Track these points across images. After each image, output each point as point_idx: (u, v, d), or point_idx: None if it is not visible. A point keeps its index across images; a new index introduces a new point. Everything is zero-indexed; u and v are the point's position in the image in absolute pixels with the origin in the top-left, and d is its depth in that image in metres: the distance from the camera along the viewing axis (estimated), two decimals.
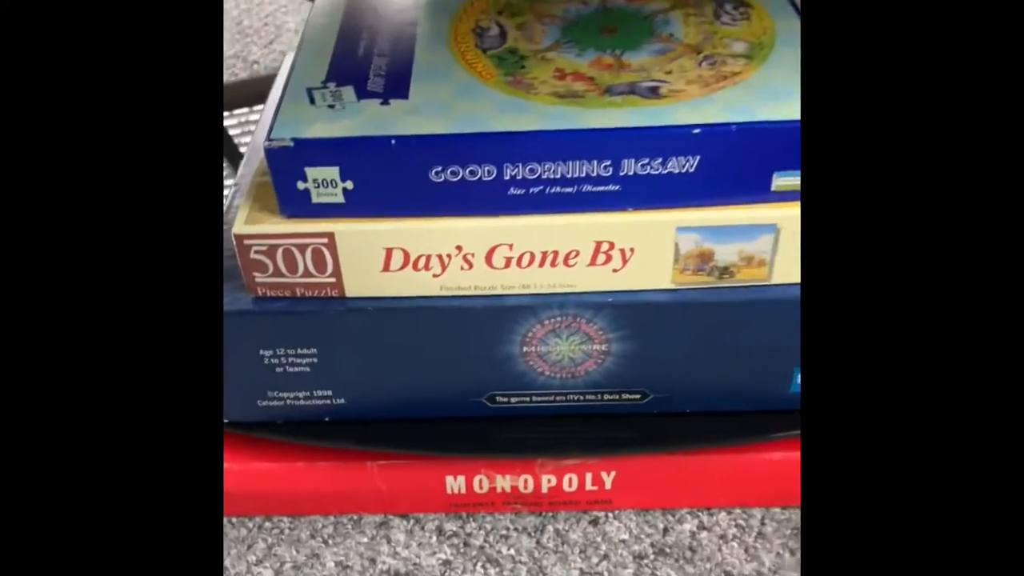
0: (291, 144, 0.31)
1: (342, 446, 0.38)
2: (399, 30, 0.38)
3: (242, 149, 0.67)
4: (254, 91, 0.73)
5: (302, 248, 0.33)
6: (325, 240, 0.33)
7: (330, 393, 0.37)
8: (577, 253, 0.34)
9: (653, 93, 0.33)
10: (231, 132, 0.69)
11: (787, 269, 0.34)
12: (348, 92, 0.34)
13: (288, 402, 0.37)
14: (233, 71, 0.74)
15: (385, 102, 0.34)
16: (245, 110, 0.71)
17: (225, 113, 0.71)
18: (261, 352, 0.35)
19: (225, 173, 0.63)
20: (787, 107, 0.32)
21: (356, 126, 0.32)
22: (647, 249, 0.34)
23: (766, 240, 0.33)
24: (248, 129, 0.69)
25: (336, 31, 0.38)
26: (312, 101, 0.34)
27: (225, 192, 0.52)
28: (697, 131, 0.32)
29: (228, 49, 0.77)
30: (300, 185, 0.32)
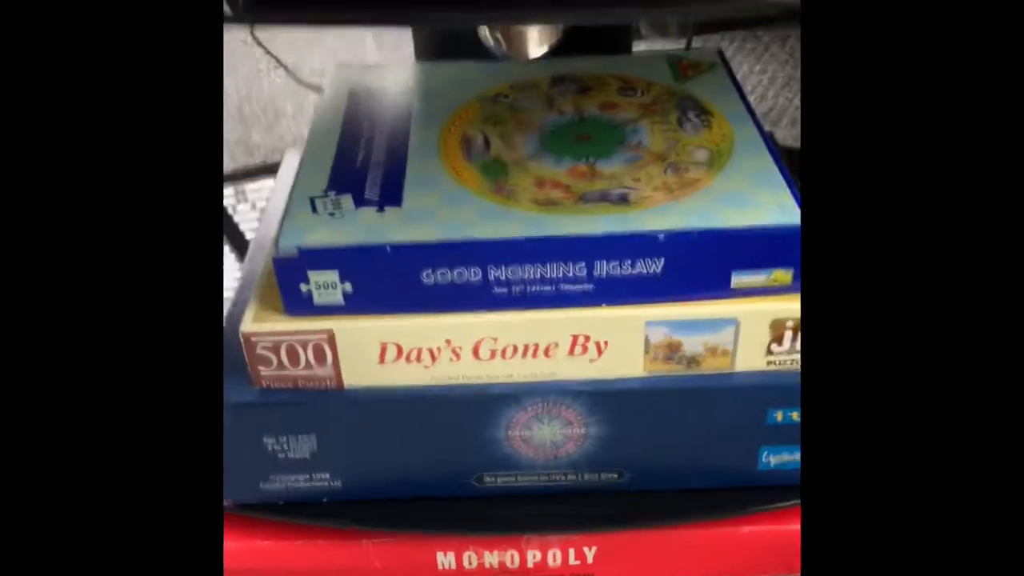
0: (296, 253, 0.35)
1: (339, 526, 0.40)
2: (393, 139, 0.42)
3: (236, 218, 0.70)
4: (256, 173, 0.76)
5: (304, 344, 0.36)
6: (325, 336, 0.36)
7: (328, 476, 0.39)
8: (556, 345, 0.37)
9: (623, 200, 0.37)
10: (228, 201, 0.73)
11: (748, 358, 0.37)
12: (347, 200, 0.38)
13: (289, 485, 0.40)
14: (234, 155, 0.78)
15: (381, 210, 0.37)
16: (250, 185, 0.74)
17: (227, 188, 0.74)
18: (264, 440, 0.38)
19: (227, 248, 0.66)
20: (743, 213, 0.36)
21: (355, 234, 0.36)
22: (620, 341, 0.37)
23: (728, 332, 0.37)
24: (249, 198, 0.72)
25: (336, 140, 0.42)
26: (314, 209, 0.37)
27: (230, 281, 0.55)
28: (662, 237, 0.35)
29: (231, 135, 0.81)
30: (303, 288, 0.36)
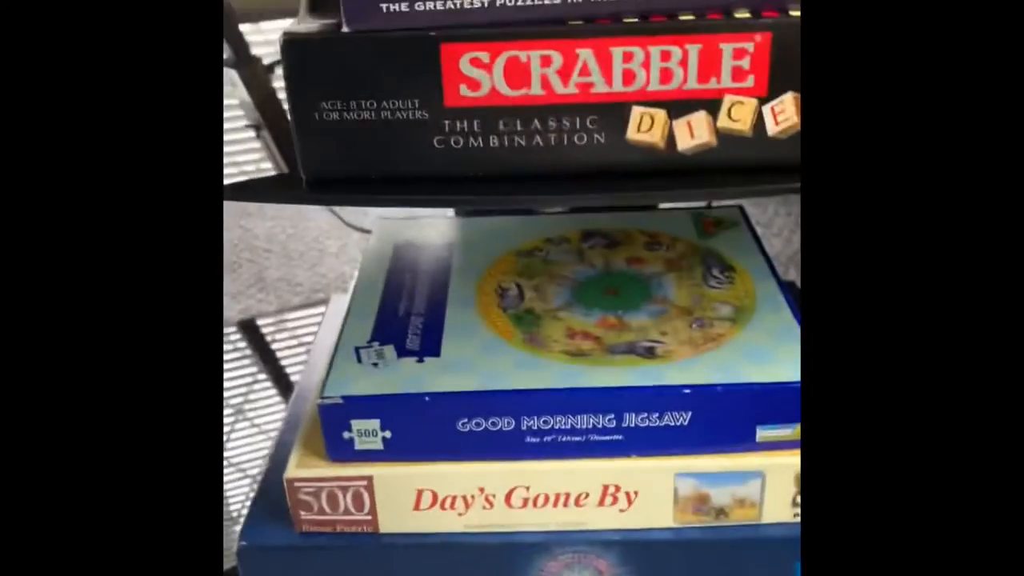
0: (340, 401, 0.37)
1: None
2: (434, 290, 0.45)
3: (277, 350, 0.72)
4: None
5: (344, 489, 0.38)
6: (365, 483, 0.38)
7: None
8: (587, 495, 0.38)
9: (650, 353, 0.39)
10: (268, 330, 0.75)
11: (775, 510, 0.38)
12: (390, 351, 0.40)
13: None
14: (278, 293, 0.82)
15: (420, 360, 0.39)
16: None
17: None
18: None
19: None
20: (767, 369, 0.37)
21: (396, 383, 0.38)
22: (650, 492, 0.38)
23: (755, 485, 0.38)
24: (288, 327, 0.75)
25: (380, 291, 0.45)
26: (359, 359, 0.39)
27: (272, 419, 0.56)
28: (688, 391, 0.37)
29: (275, 273, 0.85)
30: (345, 435, 0.37)
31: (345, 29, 0.28)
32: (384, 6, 0.28)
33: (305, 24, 0.29)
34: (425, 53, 0.29)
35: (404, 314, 0.43)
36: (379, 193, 0.30)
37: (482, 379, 0.38)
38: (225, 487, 0.73)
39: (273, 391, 0.73)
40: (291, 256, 0.89)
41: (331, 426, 0.37)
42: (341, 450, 0.38)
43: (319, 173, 0.31)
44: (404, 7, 0.28)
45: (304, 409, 0.43)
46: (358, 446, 0.38)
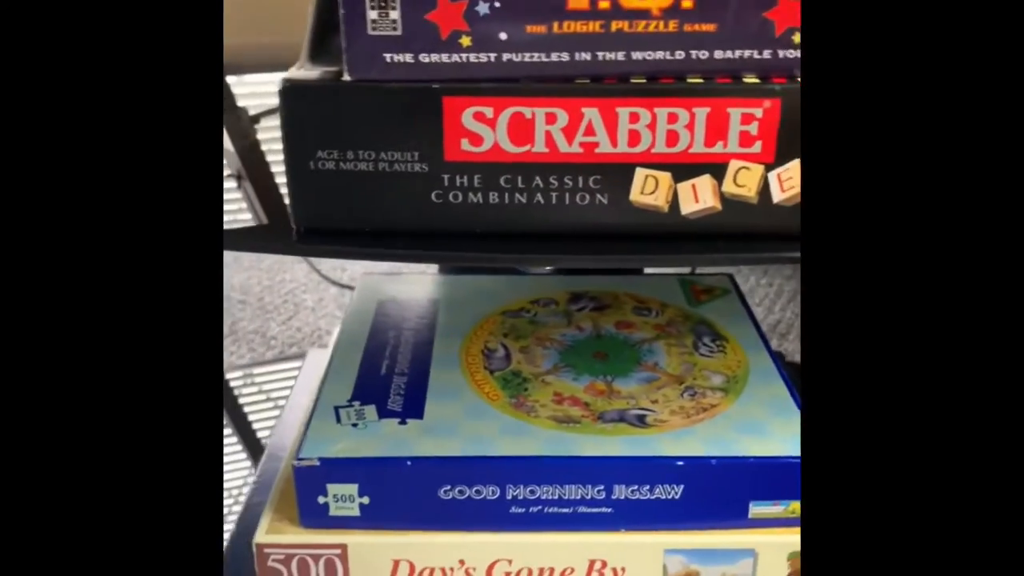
0: (317, 463, 0.35)
1: None
2: (418, 349, 0.43)
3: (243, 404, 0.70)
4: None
5: (316, 558, 0.36)
6: (338, 551, 0.35)
7: None
8: (572, 570, 0.36)
9: (641, 422, 0.38)
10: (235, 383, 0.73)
11: None
12: (371, 411, 0.38)
13: None
14: (251, 345, 0.80)
15: (403, 422, 0.38)
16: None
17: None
18: None
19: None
20: (761, 443, 0.36)
21: (376, 446, 0.36)
22: (638, 569, 0.36)
23: (747, 564, 0.36)
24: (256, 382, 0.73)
25: (362, 348, 0.43)
26: (338, 419, 0.38)
27: (236, 479, 0.54)
28: (681, 463, 0.35)
29: (249, 325, 0.83)
30: (320, 499, 0.35)
31: (346, 77, 0.27)
32: (388, 56, 0.27)
33: (305, 71, 0.29)
34: (427, 105, 0.28)
35: (386, 373, 0.41)
36: (372, 247, 0.29)
37: (466, 444, 0.36)
38: None
39: (238, 447, 0.70)
40: (266, 309, 0.87)
41: (306, 489, 0.35)
42: (315, 515, 0.36)
43: (311, 223, 0.29)
44: (408, 58, 0.27)
45: (276, 470, 0.41)
46: (333, 511, 0.36)
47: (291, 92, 0.28)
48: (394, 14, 0.26)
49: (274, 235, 0.29)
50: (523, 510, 0.36)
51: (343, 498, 0.36)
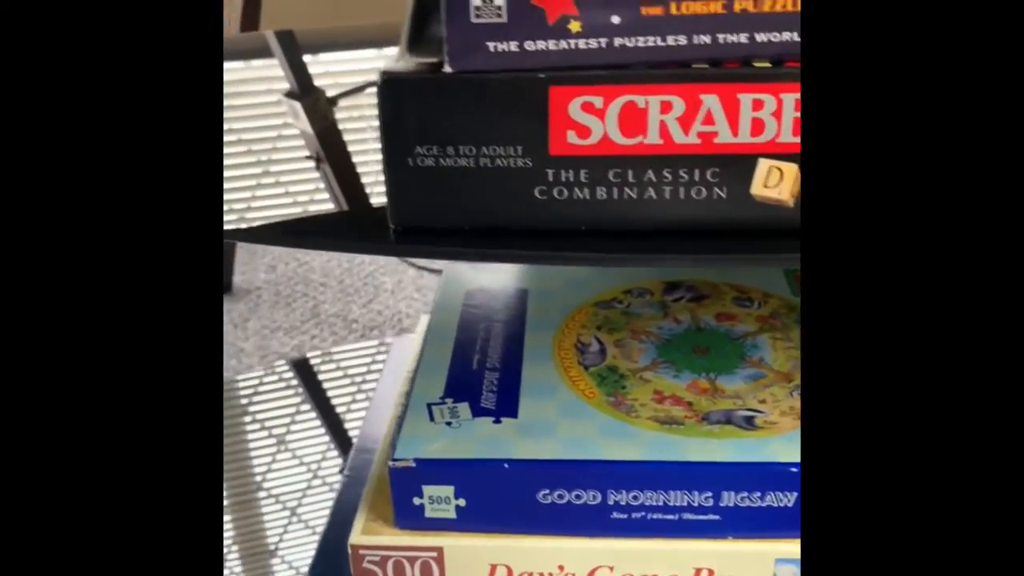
0: (413, 464, 0.34)
1: None
2: (508, 342, 0.42)
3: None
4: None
5: (412, 560, 0.35)
6: (435, 554, 0.35)
7: None
8: None
9: (749, 424, 0.36)
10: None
11: None
12: (464, 409, 0.37)
13: None
14: (333, 329, 0.80)
15: (497, 420, 0.36)
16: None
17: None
18: None
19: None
20: None
21: (472, 447, 0.35)
22: None
23: None
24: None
25: (452, 342, 0.42)
26: (432, 418, 0.37)
27: (337, 476, 0.54)
28: (795, 470, 0.33)
29: (331, 308, 0.83)
30: (416, 500, 0.35)
31: (447, 69, 0.26)
32: (491, 45, 0.25)
33: (403, 62, 0.27)
34: (532, 96, 0.26)
35: (478, 368, 0.40)
36: (474, 246, 0.27)
37: (565, 446, 0.35)
38: (263, 517, 0.71)
39: (317, 423, 0.71)
40: (347, 291, 0.87)
41: (401, 490, 0.35)
42: (410, 516, 0.35)
43: (409, 222, 0.28)
44: (513, 46, 0.25)
45: (366, 464, 0.40)
46: (428, 513, 0.35)
47: (390, 86, 0.26)
48: (499, 0, 0.25)
49: (372, 235, 0.28)
50: (625, 516, 0.34)
51: (439, 500, 0.35)
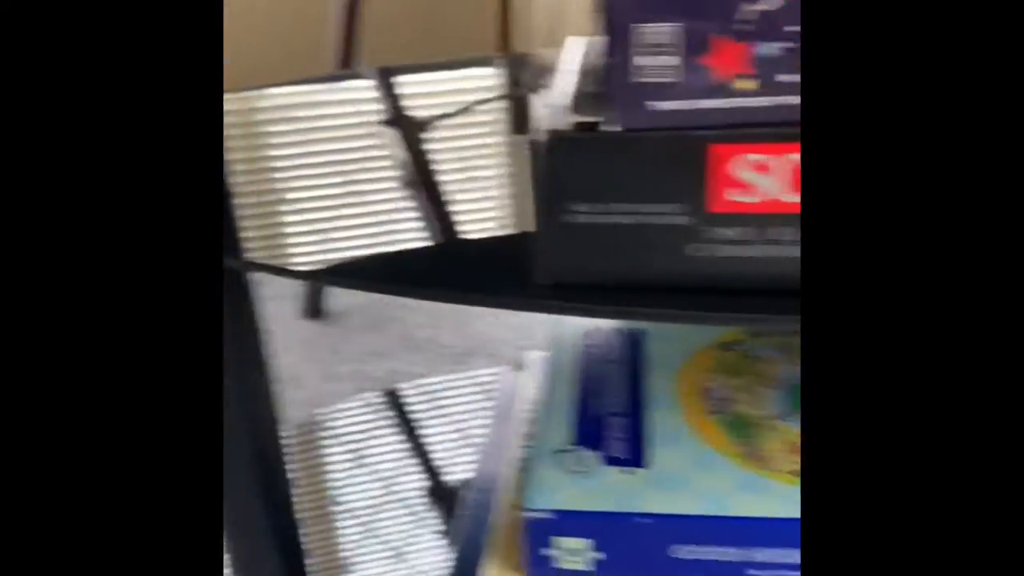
0: (550, 516, 0.34)
1: None
2: (631, 386, 0.41)
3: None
4: None
5: None
6: None
7: None
8: None
9: None
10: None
11: None
12: (593, 458, 0.37)
13: None
14: (425, 353, 0.80)
15: (627, 470, 0.36)
16: None
17: None
18: None
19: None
20: None
21: (605, 498, 0.34)
22: None
23: None
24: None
25: (573, 383, 0.42)
26: (561, 466, 0.36)
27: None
28: None
29: (421, 333, 0.84)
30: (547, 551, 0.34)
31: (616, 128, 0.25)
32: (655, 104, 0.25)
33: (564, 120, 0.27)
34: (693, 154, 0.26)
35: (603, 413, 0.40)
36: (625, 304, 0.27)
37: (702, 501, 0.34)
38: (335, 530, 0.71)
39: (393, 436, 0.71)
40: (435, 315, 0.88)
41: (535, 540, 0.34)
42: (542, 567, 0.34)
43: (558, 277, 0.28)
44: (679, 105, 0.25)
45: (484, 505, 0.40)
46: (559, 564, 0.34)
47: (559, 145, 0.26)
48: (666, 60, 0.24)
49: (518, 290, 0.28)
50: (765, 574, 0.33)
51: (572, 552, 0.34)
